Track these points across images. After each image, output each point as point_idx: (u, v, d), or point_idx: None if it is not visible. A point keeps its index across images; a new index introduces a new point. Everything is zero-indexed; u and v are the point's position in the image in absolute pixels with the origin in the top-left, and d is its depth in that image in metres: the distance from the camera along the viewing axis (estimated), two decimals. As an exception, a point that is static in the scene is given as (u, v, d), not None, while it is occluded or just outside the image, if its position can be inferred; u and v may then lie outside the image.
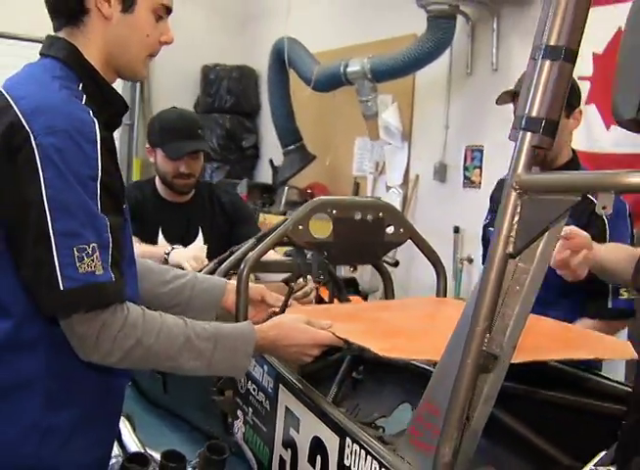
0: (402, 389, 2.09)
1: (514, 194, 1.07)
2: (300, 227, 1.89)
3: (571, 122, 2.33)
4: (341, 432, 1.38)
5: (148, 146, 2.95)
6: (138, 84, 6.74)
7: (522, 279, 1.10)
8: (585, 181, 1.07)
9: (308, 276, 2.01)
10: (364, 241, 1.99)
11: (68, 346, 1.35)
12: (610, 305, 2.18)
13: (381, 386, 2.12)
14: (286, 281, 2.31)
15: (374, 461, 1.26)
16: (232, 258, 2.04)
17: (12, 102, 1.32)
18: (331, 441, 1.41)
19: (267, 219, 5.47)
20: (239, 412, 1.83)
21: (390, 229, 2.02)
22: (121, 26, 1.43)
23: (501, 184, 2.61)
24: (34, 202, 1.26)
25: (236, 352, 1.49)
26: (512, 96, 2.28)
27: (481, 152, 4.82)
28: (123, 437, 2.07)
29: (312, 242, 1.92)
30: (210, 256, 2.63)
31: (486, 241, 2.62)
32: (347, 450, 1.34)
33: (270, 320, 1.61)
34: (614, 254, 1.93)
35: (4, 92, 1.36)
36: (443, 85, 5.04)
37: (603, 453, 1.28)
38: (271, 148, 6.77)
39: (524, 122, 1.07)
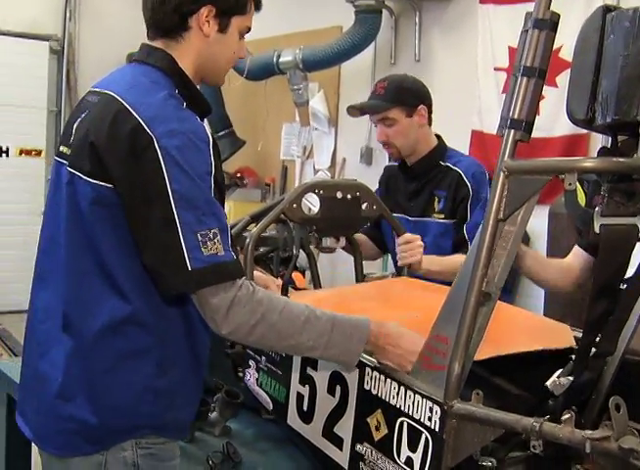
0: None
1: (502, 175, 1.44)
2: (295, 206, 2.24)
3: (415, 120, 2.73)
4: (360, 363, 1.73)
5: None
6: (64, 72, 6.86)
7: (507, 237, 1.48)
8: (553, 166, 1.45)
9: None
10: (345, 216, 2.36)
11: (177, 321, 1.59)
12: None
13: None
14: (261, 256, 2.65)
15: (393, 382, 1.62)
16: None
17: (130, 108, 1.51)
18: (351, 372, 1.76)
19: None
20: (250, 361, 2.15)
21: (365, 206, 2.40)
22: (216, 44, 1.65)
23: (388, 168, 3.01)
24: (161, 194, 1.45)
25: (351, 337, 1.62)
26: (359, 111, 2.81)
27: (406, 136, 5.21)
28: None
29: (304, 218, 2.27)
30: None
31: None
32: (367, 377, 1.69)
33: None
34: None
35: (117, 97, 1.55)
36: (368, 74, 5.39)
37: (560, 370, 1.68)
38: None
39: (509, 123, 1.44)
